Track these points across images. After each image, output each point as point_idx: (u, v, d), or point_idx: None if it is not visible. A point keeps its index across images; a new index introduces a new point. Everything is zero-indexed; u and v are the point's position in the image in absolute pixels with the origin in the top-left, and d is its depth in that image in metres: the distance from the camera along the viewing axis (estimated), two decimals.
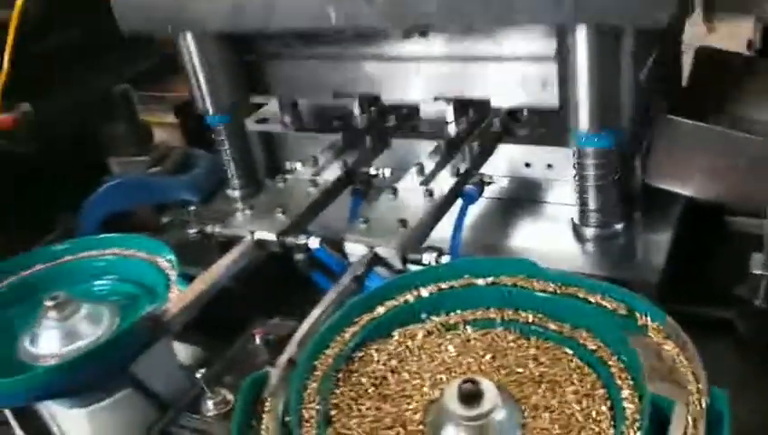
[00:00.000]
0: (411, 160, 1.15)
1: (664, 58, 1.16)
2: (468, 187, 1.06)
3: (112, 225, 1.33)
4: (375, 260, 0.93)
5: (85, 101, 1.58)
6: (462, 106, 1.25)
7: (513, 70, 1.09)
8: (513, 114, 1.24)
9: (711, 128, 1.02)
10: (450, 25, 1.04)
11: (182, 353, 1.06)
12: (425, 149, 1.19)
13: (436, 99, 1.18)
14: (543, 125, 1.19)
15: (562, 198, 1.14)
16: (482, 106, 1.23)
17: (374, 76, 1.21)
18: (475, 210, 1.13)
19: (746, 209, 1.06)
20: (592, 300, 0.79)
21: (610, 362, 0.72)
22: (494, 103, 1.14)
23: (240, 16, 1.07)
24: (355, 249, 0.95)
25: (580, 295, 0.80)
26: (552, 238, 1.10)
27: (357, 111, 1.35)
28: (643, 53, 1.02)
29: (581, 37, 0.91)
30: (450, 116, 1.25)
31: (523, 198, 1.18)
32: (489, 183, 1.08)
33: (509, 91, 1.11)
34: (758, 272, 0.94)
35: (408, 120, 1.32)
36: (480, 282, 0.86)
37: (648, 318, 0.74)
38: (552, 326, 0.79)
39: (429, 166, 1.11)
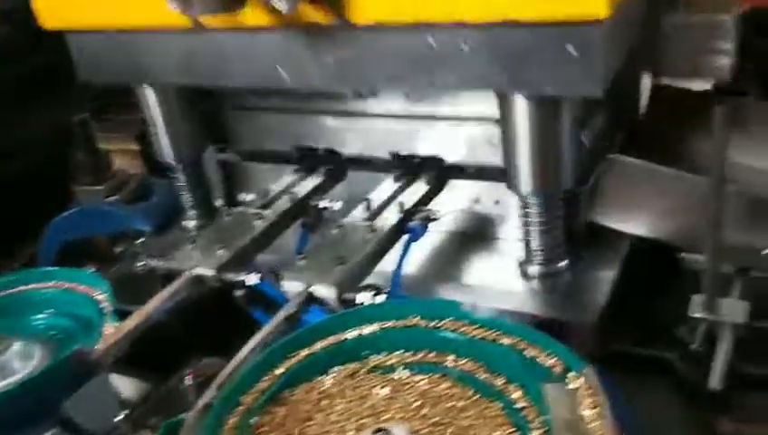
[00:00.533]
0: (366, 193, 1.15)
1: (614, 113, 1.17)
2: (413, 223, 1.05)
3: (70, 254, 1.33)
4: (310, 299, 0.92)
5: (52, 130, 1.58)
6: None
7: (462, 129, 1.12)
8: None
9: (655, 167, 1.01)
10: (394, 89, 1.07)
11: (128, 388, 1.04)
12: (380, 182, 1.18)
13: (390, 154, 1.19)
14: None
15: (511, 234, 1.14)
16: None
17: (333, 130, 1.24)
18: (424, 245, 1.13)
19: (694, 248, 1.05)
20: (531, 354, 0.79)
21: (534, 423, 0.72)
22: (447, 160, 1.16)
23: (193, 71, 1.08)
24: (292, 287, 0.94)
25: (520, 347, 0.80)
26: (499, 275, 1.09)
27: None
28: (587, 117, 1.04)
29: (520, 104, 0.92)
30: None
31: (473, 233, 1.18)
32: (434, 219, 1.08)
33: (459, 150, 1.14)
34: (697, 315, 0.93)
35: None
36: (422, 324, 0.86)
37: (572, 372, 0.74)
38: (488, 377, 0.80)
39: (377, 201, 1.10)
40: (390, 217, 1.05)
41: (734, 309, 0.92)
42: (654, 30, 1.03)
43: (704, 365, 0.91)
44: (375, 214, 1.07)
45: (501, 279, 1.08)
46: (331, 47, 0.95)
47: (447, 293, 1.08)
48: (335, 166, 1.24)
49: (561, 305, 1.00)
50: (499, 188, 1.13)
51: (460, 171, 1.16)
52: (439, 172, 1.15)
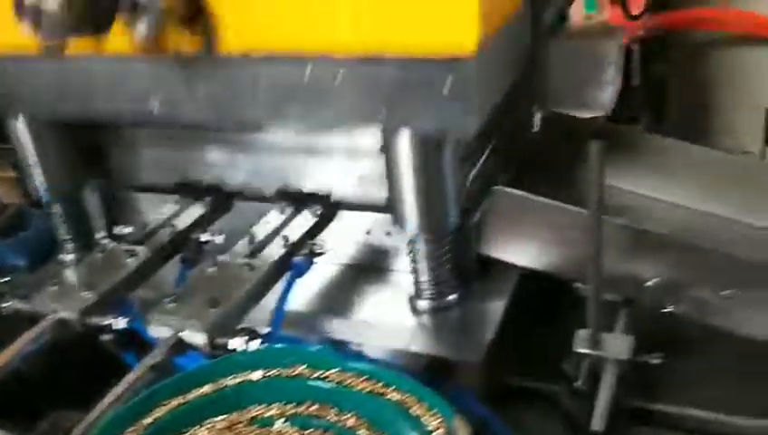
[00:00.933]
0: (250, 226, 1.09)
1: (505, 145, 1.16)
2: (298, 258, 1.00)
3: None
4: (179, 345, 0.85)
5: None
6: None
7: (351, 165, 1.09)
8: None
9: (538, 199, 1.00)
10: (272, 125, 1.03)
11: None
12: (265, 214, 1.12)
13: (278, 192, 1.14)
14: None
15: (403, 266, 1.11)
16: None
17: (218, 165, 1.18)
18: (313, 279, 1.08)
19: (581, 280, 1.04)
20: (417, 412, 0.77)
21: None
22: (336, 198, 1.12)
23: (62, 101, 1.03)
24: (161, 332, 0.88)
25: (406, 404, 0.78)
26: (390, 310, 1.05)
27: None
28: (474, 151, 1.03)
29: (403, 141, 0.89)
30: None
31: (364, 265, 1.14)
32: (321, 253, 1.03)
33: (347, 187, 1.11)
34: (581, 351, 0.92)
35: None
36: (307, 373, 0.82)
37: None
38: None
39: (261, 234, 1.05)
40: (273, 253, 1.00)
41: (617, 345, 0.91)
42: (538, 61, 1.03)
43: (588, 401, 0.89)
44: (258, 248, 1.01)
45: (391, 315, 1.04)
46: (201, 78, 0.90)
47: (336, 330, 1.03)
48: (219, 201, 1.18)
49: (449, 343, 0.97)
50: (389, 220, 1.10)
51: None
52: (328, 204, 1.11)
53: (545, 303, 1.12)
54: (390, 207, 0.97)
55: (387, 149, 0.92)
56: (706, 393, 0.93)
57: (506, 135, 1.15)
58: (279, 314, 0.94)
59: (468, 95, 0.78)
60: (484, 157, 1.09)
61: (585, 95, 1.04)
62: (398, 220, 0.97)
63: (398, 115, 0.84)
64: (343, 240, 1.13)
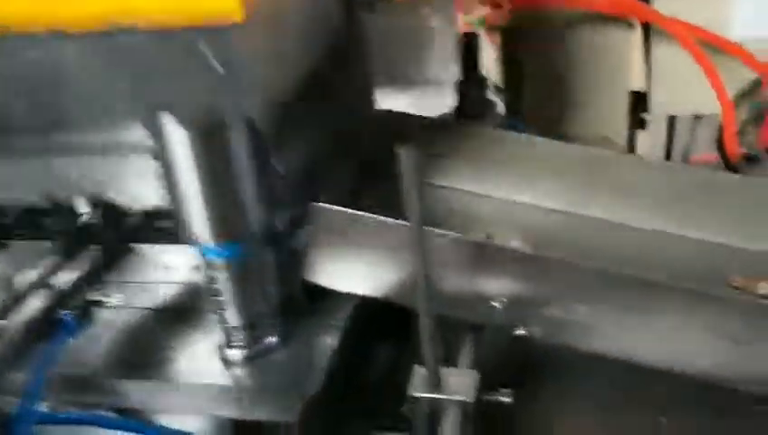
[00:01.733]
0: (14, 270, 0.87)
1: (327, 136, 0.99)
2: (65, 313, 0.79)
3: None
4: None
5: None
6: None
7: (136, 164, 0.86)
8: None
9: (358, 214, 0.84)
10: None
11: None
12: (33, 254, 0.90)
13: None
14: None
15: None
16: None
17: None
18: (103, 329, 0.87)
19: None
20: None
21: None
22: (129, 205, 0.90)
23: None
24: None
25: None
26: (196, 363, 0.86)
27: None
28: (282, 141, 0.84)
29: (175, 131, 0.69)
30: (83, 207, 0.98)
31: (168, 309, 0.94)
32: (100, 303, 0.83)
33: (139, 190, 0.88)
34: (417, 395, 0.76)
35: (36, 214, 1.03)
36: None
37: None
38: None
39: (23, 283, 0.83)
40: (32, 307, 0.79)
41: (461, 383, 0.76)
42: (353, 38, 0.86)
43: None
44: (13, 302, 0.79)
45: (196, 369, 0.85)
46: None
47: (129, 394, 0.83)
48: None
49: (263, 401, 0.80)
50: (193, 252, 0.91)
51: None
52: (112, 235, 0.90)
53: (393, 326, 0.96)
54: (173, 216, 0.77)
55: (157, 142, 0.72)
56: (567, 427, 0.80)
57: (327, 125, 0.97)
58: (35, 389, 0.73)
59: (242, 70, 0.63)
60: (296, 150, 0.90)
61: (413, 74, 0.88)
62: (187, 235, 0.77)
63: (160, 100, 0.67)
64: (138, 279, 0.93)
